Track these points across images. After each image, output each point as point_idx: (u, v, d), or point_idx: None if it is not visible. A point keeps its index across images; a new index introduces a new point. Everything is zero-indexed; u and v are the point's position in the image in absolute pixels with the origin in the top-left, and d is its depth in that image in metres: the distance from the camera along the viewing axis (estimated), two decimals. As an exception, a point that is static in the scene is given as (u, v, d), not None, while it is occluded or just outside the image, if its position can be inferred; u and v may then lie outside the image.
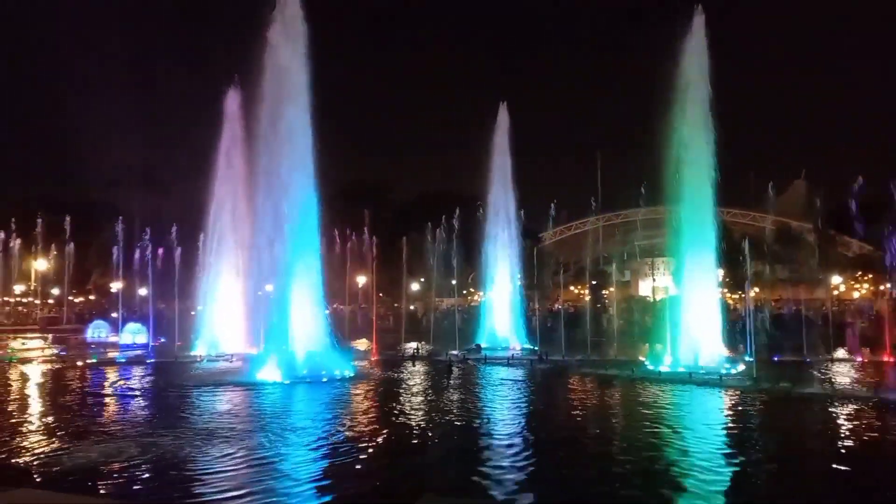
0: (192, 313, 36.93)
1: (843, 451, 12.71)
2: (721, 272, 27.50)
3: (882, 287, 66.90)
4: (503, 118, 39.94)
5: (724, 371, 22.89)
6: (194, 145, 35.97)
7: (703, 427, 15.47)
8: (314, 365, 22.92)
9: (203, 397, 19.52)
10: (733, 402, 18.69)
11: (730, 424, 16.16)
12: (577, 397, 20.36)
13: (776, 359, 27.35)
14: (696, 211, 26.00)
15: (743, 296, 39.41)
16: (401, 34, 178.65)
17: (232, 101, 34.24)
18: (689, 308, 25.74)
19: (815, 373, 24.44)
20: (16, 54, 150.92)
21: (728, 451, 12.96)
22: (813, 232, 63.74)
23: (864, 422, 15.62)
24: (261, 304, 26.69)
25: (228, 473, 10.86)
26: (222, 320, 33.87)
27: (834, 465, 11.51)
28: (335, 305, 38.42)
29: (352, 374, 23.60)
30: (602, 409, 18.24)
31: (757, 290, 50.79)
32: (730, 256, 31.29)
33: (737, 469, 11.38)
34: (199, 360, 30.45)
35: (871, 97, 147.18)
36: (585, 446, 13.33)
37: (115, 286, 62.32)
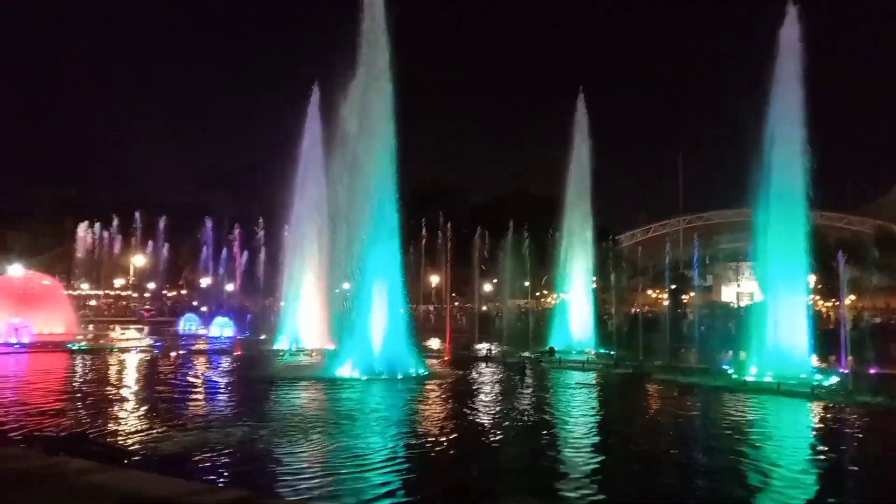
0: (276, 309, 38.48)
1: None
2: (813, 278, 25.97)
3: None
4: (581, 111, 39.24)
5: (815, 382, 21.63)
6: (280, 148, 37.54)
7: (794, 442, 14.70)
8: (390, 363, 23.35)
9: (285, 390, 20.31)
10: (826, 416, 17.63)
11: (823, 440, 15.19)
12: (656, 405, 19.77)
13: (873, 371, 25.57)
14: (785, 213, 24.71)
15: (837, 304, 37.11)
16: (478, 34, 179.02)
17: (314, 105, 35.49)
18: (777, 315, 24.46)
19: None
20: (116, 60, 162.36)
21: (822, 469, 12.24)
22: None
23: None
24: (340, 301, 27.45)
25: (310, 464, 11.30)
26: (304, 316, 35.11)
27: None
28: (413, 305, 39.00)
29: (426, 373, 23.90)
30: (683, 418, 17.61)
31: (853, 297, 47.63)
32: (823, 262, 29.55)
33: (831, 488, 10.74)
34: (281, 354, 31.68)
35: None
36: (666, 458, 12.94)
37: (205, 282, 66.03)
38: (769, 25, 25.38)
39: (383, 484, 10.22)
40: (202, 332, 43.11)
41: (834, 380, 22.61)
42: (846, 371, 24.25)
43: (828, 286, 38.44)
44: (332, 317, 29.82)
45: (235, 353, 31.65)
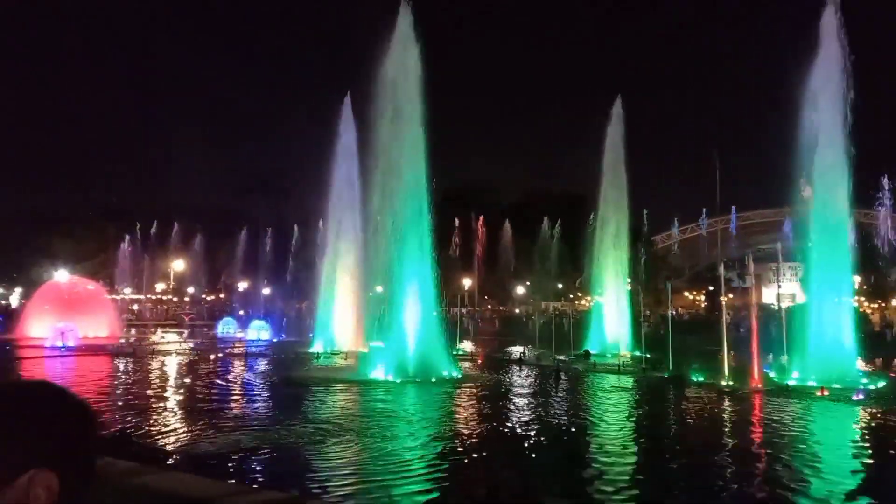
0: (311, 312, 39.02)
1: None
2: (858, 279, 25.20)
3: None
4: (617, 111, 38.87)
5: (860, 386, 20.95)
6: (314, 154, 38.16)
7: (837, 446, 14.27)
8: (423, 366, 23.46)
9: (320, 392, 20.55)
10: (871, 420, 17.03)
11: (866, 445, 14.72)
12: (695, 409, 19.31)
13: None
14: (828, 212, 24.06)
15: (883, 305, 35.96)
16: (507, 33, 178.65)
17: (348, 110, 35.97)
18: (820, 317, 23.81)
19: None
20: (154, 67, 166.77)
21: (861, 472, 11.85)
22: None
23: None
24: (374, 304, 27.70)
25: (345, 465, 11.43)
26: (338, 319, 35.54)
27: None
28: (446, 308, 39.13)
29: (459, 376, 23.93)
30: (720, 423, 17.25)
31: (901, 298, 45.94)
32: (867, 262, 28.65)
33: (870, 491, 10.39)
34: (316, 356, 32.10)
35: None
36: (702, 462, 12.68)
37: (242, 286, 67.32)
38: (809, 16, 24.80)
39: (420, 486, 10.25)
40: (240, 335, 43.95)
41: (881, 384, 21.89)
42: (894, 375, 23.45)
43: (873, 287, 37.23)
44: (366, 319, 30.11)
45: (272, 356, 32.17)
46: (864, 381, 22.04)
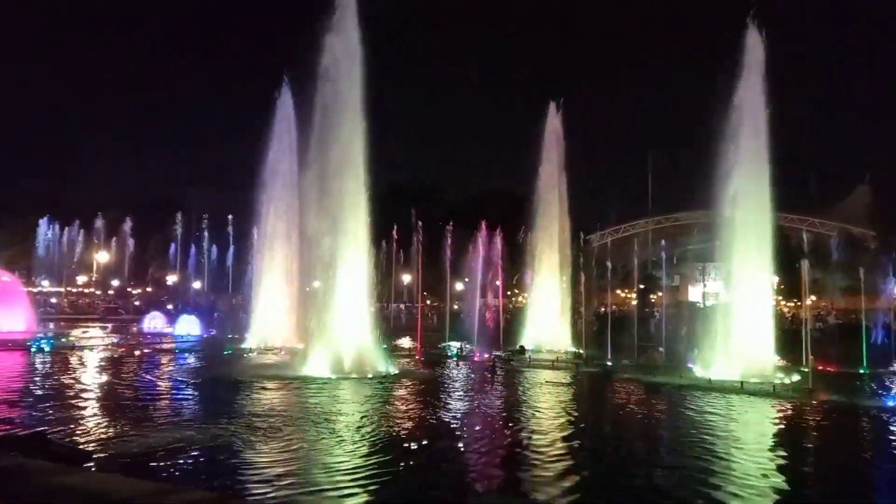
0: (244, 307, 38.00)
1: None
2: (776, 279, 26.64)
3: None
4: (552, 116, 39.65)
5: (777, 381, 22.17)
6: (252, 146, 37.07)
7: (754, 437, 15.07)
8: (359, 362, 23.26)
9: (252, 389, 20.05)
10: (785, 413, 18.07)
11: (784, 437, 15.60)
12: (622, 403, 20.04)
13: (832, 370, 26.35)
14: (750, 215, 25.29)
15: (799, 304, 38.10)
16: (455, 32, 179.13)
17: (283, 101, 35.15)
18: (741, 315, 25.03)
19: (872, 385, 23.48)
20: (93, 57, 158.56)
21: (781, 463, 12.54)
22: (877, 238, 61.00)
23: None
24: (309, 299, 27.24)
25: (274, 463, 11.20)
26: (272, 314, 34.73)
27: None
28: (384, 304, 38.89)
29: (395, 372, 23.85)
30: (647, 416, 17.92)
31: (814, 298, 48.82)
32: (786, 263, 30.30)
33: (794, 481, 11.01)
34: (248, 352, 31.29)
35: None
36: (631, 454, 13.14)
37: (171, 279, 64.91)
38: (736, 29, 25.97)
39: (350, 483, 10.15)
40: (168, 330, 42.36)
41: (795, 378, 23.21)
42: (807, 370, 24.94)
43: (790, 287, 39.39)
44: (301, 315, 29.56)
45: (202, 352, 31.15)
46: (780, 375, 23.30)
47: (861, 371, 26.73)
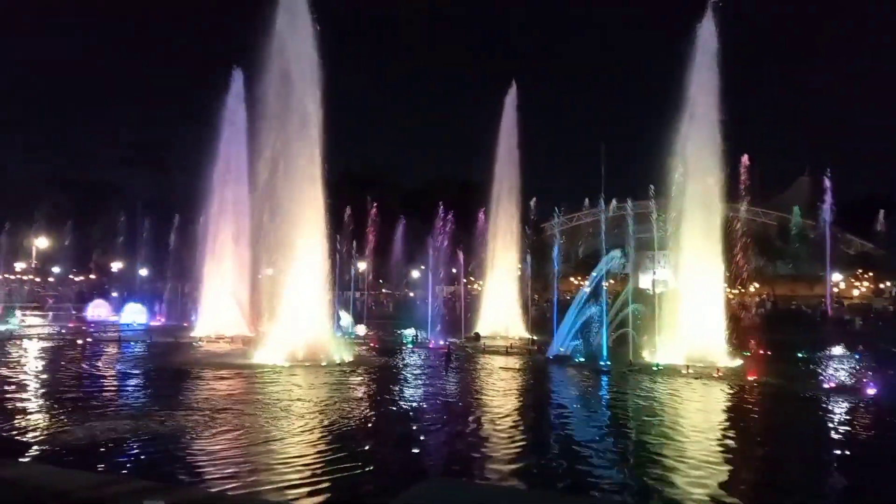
0: (194, 294, 37.04)
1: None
2: (722, 267, 27.52)
3: (882, 285, 67.09)
4: (509, 105, 39.75)
5: (720, 365, 22.98)
6: (200, 126, 35.97)
7: (700, 418, 15.66)
8: (313, 349, 23.03)
9: (200, 378, 19.65)
10: (727, 395, 18.77)
11: (724, 417, 16.25)
12: (572, 387, 20.52)
13: (773, 354, 27.48)
14: (698, 205, 26.02)
15: (743, 291, 39.57)
16: (416, 20, 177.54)
17: (236, 81, 34.23)
18: (689, 302, 25.81)
19: (810, 367, 24.59)
20: (31, 33, 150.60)
21: (717, 439, 13.05)
22: (815, 228, 63.60)
23: (854, 415, 15.75)
24: (262, 286, 26.77)
25: (223, 452, 10.98)
26: (223, 302, 34.00)
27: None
28: (338, 291, 38.52)
29: (350, 360, 23.71)
30: (596, 399, 18.42)
31: (757, 285, 50.75)
32: (731, 252, 31.34)
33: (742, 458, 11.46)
34: (198, 340, 30.61)
35: (879, 92, 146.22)
36: (581, 435, 13.43)
37: (116, 265, 62.70)
38: (688, 19, 26.51)
39: (302, 469, 10.05)
40: (113, 318, 41.00)
41: (738, 362, 24.10)
42: (748, 354, 25.93)
43: (734, 274, 40.80)
44: (253, 303, 29.08)
45: (149, 341, 30.29)
46: (724, 359, 24.13)
47: (800, 355, 27.94)
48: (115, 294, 51.20)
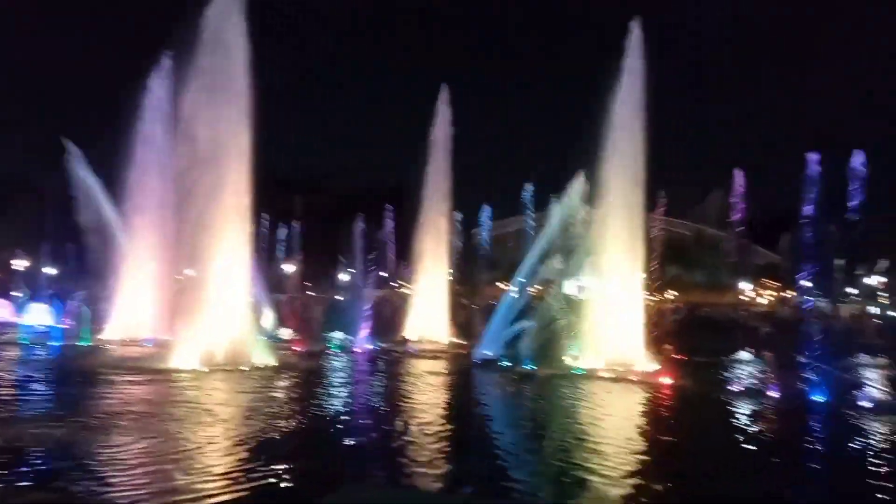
0: (106, 295, 35.06)
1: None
2: (642, 275, 28.61)
3: (786, 294, 71.70)
4: (442, 104, 39.85)
5: (638, 369, 23.85)
6: (117, 117, 34.03)
7: (615, 419, 16.21)
8: (234, 353, 22.29)
9: (111, 383, 18.62)
10: (643, 398, 19.54)
11: (640, 417, 16.95)
12: (496, 391, 20.83)
13: (688, 358, 28.82)
14: (620, 214, 26.94)
15: (660, 298, 41.33)
16: (344, 23, 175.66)
17: (158, 73, 32.74)
18: (610, 308, 26.65)
19: (721, 372, 25.92)
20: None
21: (630, 439, 13.56)
22: (727, 239, 67.36)
23: (756, 416, 16.74)
24: (180, 287, 25.66)
25: (134, 462, 10.43)
26: (138, 303, 32.34)
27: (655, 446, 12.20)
28: (264, 294, 37.46)
29: (274, 364, 23.09)
30: (517, 402, 18.78)
31: (675, 293, 53.13)
32: (649, 260, 32.63)
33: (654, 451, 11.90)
34: (110, 344, 29.05)
35: (787, 111, 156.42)
36: (505, 440, 13.63)
37: (19, 263, 58.60)
38: (616, 35, 27.39)
39: (218, 478, 9.68)
40: (14, 319, 38.24)
41: (655, 366, 25.09)
42: (664, 358, 27.05)
43: (653, 281, 42.55)
44: (170, 305, 27.81)
45: (55, 344, 28.45)
46: (643, 364, 25.03)
47: (709, 359, 29.40)
48: (16, 293, 47.83)
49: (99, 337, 30.68)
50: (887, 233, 52.36)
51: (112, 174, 34.71)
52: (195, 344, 22.12)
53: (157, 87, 32.85)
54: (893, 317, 50.76)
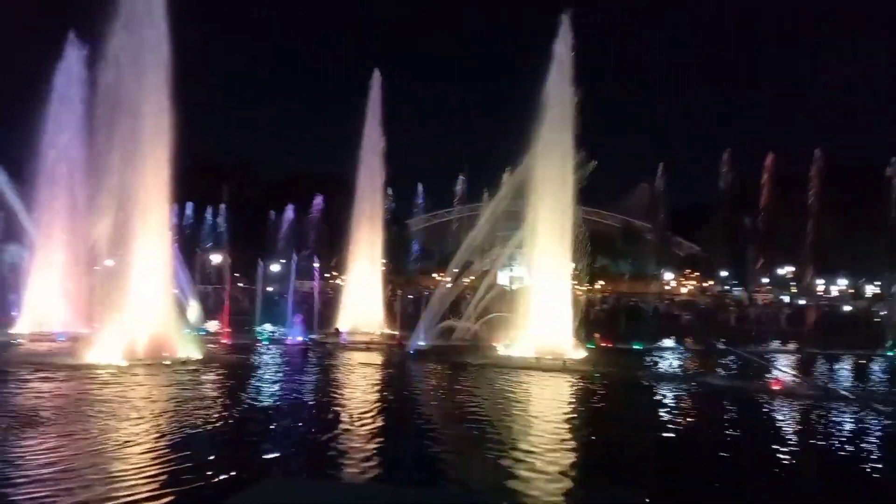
0: (16, 286, 32.86)
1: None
2: (572, 265, 29.33)
3: (705, 284, 75.34)
4: (374, 91, 39.39)
5: (566, 357, 24.47)
6: (27, 95, 31.75)
7: (543, 406, 16.62)
8: (156, 346, 21.39)
9: (20, 380, 17.49)
10: (571, 385, 20.07)
11: (566, 405, 17.43)
12: (428, 381, 20.90)
13: (615, 347, 29.86)
14: (551, 206, 27.46)
15: (589, 288, 42.56)
16: (279, 8, 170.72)
17: (71, 51, 30.78)
18: (541, 298, 27.18)
19: (645, 359, 26.98)
20: None
21: (557, 425, 13.94)
22: (652, 231, 69.97)
23: (677, 401, 17.50)
24: (98, 278, 24.37)
25: (45, 461, 9.84)
26: (51, 295, 30.48)
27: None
28: (189, 285, 36.09)
29: (199, 357, 22.30)
30: (448, 392, 18.91)
31: (602, 283, 54.80)
32: (579, 251, 33.49)
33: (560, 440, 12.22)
34: (19, 338, 27.32)
35: (711, 110, 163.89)
36: (435, 430, 13.67)
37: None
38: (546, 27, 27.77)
39: (136, 477, 9.24)
40: None
41: (582, 354, 25.82)
42: (592, 347, 27.89)
43: (582, 272, 43.73)
44: (89, 296, 26.37)
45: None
46: (571, 352, 25.70)
47: (636, 347, 30.55)
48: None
49: (7, 331, 28.79)
50: (797, 226, 55.79)
51: (20, 160, 32.53)
52: (113, 337, 21.08)
53: (69, 68, 30.93)
54: (802, 305, 54.25)
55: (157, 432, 12.16)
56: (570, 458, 11.49)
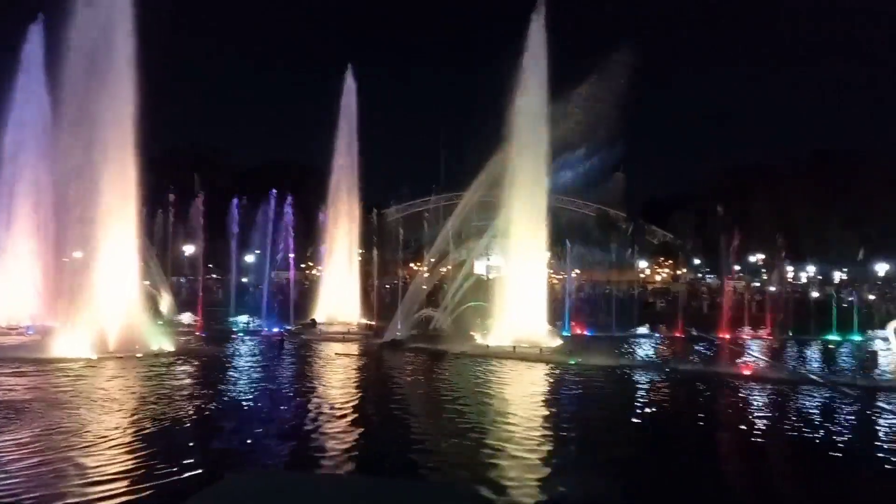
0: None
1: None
2: (548, 254, 29.50)
3: (679, 272, 76.40)
4: (349, 85, 39.07)
5: (543, 346, 24.60)
6: None
7: (519, 395, 16.72)
8: (127, 339, 21.00)
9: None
10: (546, 373, 20.19)
11: (541, 392, 17.54)
12: (406, 371, 20.85)
13: (590, 334, 30.11)
14: (527, 196, 27.50)
15: (565, 276, 42.70)
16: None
17: (34, 34, 29.87)
18: (517, 287, 27.26)
19: (621, 346, 27.25)
20: None
21: (532, 413, 14.03)
22: (626, 220, 70.64)
23: (653, 387, 17.74)
24: (66, 270, 23.80)
25: (9, 458, 9.59)
26: (16, 288, 29.73)
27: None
28: (160, 275, 35.42)
29: (171, 350, 21.96)
30: (423, 382, 18.91)
31: (578, 271, 55.06)
32: (555, 240, 33.67)
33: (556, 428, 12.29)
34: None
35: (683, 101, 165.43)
36: (412, 420, 13.64)
37: None
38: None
39: (104, 473, 9.05)
40: None
41: (558, 343, 25.98)
42: (568, 335, 28.12)
43: (558, 261, 43.94)
44: (57, 288, 25.76)
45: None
46: (546, 341, 25.85)
47: (612, 334, 30.87)
48: None
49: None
50: (769, 214, 56.81)
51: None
52: (83, 330, 20.63)
53: (31, 55, 30.01)
54: (773, 292, 55.25)
55: (128, 426, 11.92)
56: (547, 445, 11.53)
